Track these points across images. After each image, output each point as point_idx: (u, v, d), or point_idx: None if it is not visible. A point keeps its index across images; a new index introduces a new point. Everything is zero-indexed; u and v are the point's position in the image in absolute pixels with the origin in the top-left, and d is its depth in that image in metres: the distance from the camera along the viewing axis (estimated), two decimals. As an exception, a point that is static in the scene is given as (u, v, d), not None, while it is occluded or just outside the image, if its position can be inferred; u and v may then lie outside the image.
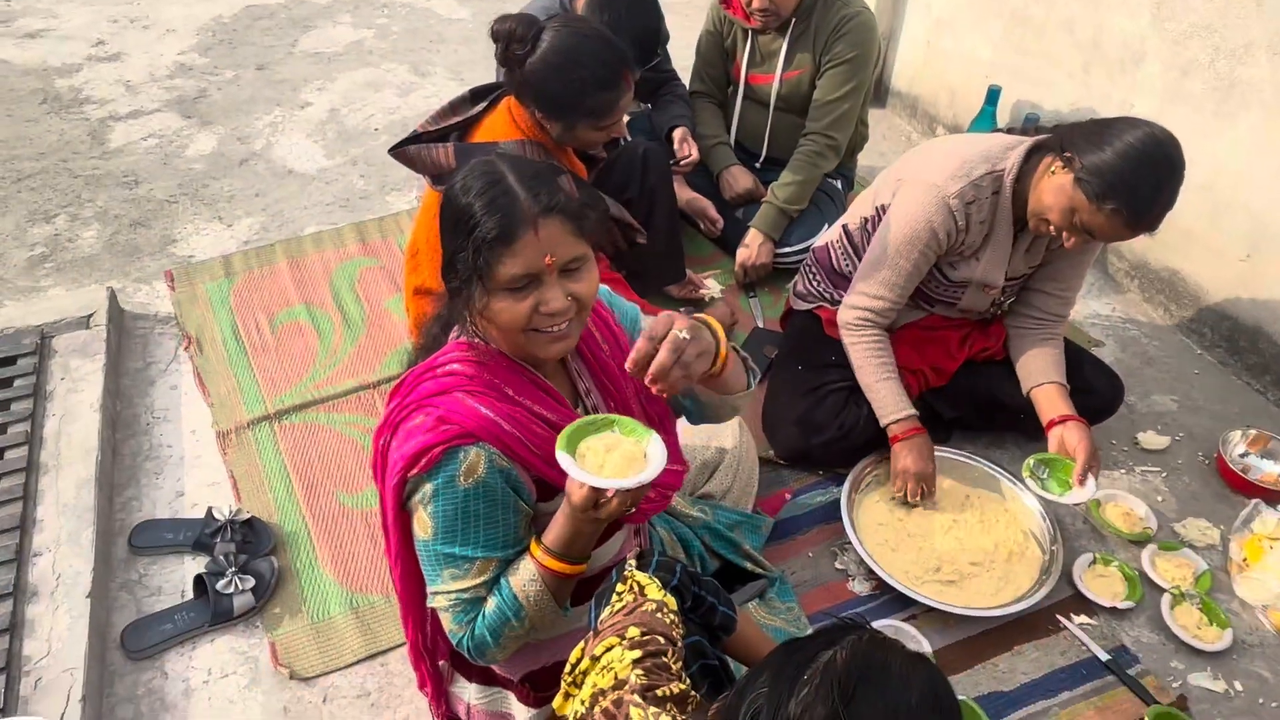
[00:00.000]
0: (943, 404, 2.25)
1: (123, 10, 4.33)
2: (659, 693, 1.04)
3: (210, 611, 1.88)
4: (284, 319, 2.67)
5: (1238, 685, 1.86)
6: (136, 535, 2.06)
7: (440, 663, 1.59)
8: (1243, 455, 2.30)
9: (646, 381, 1.14)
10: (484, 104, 2.14)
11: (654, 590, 1.22)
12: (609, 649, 1.12)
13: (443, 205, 1.26)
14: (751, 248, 2.74)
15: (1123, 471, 2.30)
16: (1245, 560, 2.04)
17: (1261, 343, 2.51)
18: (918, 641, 1.88)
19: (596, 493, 1.19)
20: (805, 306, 2.35)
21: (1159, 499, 2.24)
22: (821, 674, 0.86)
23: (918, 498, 2.09)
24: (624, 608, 1.19)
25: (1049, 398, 2.08)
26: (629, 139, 2.67)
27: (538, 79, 1.95)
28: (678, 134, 2.77)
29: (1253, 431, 2.30)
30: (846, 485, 2.13)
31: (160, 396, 2.43)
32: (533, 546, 1.31)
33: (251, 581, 1.93)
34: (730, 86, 2.90)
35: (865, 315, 2.10)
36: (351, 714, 1.79)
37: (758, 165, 2.92)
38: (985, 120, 3.02)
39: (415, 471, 1.25)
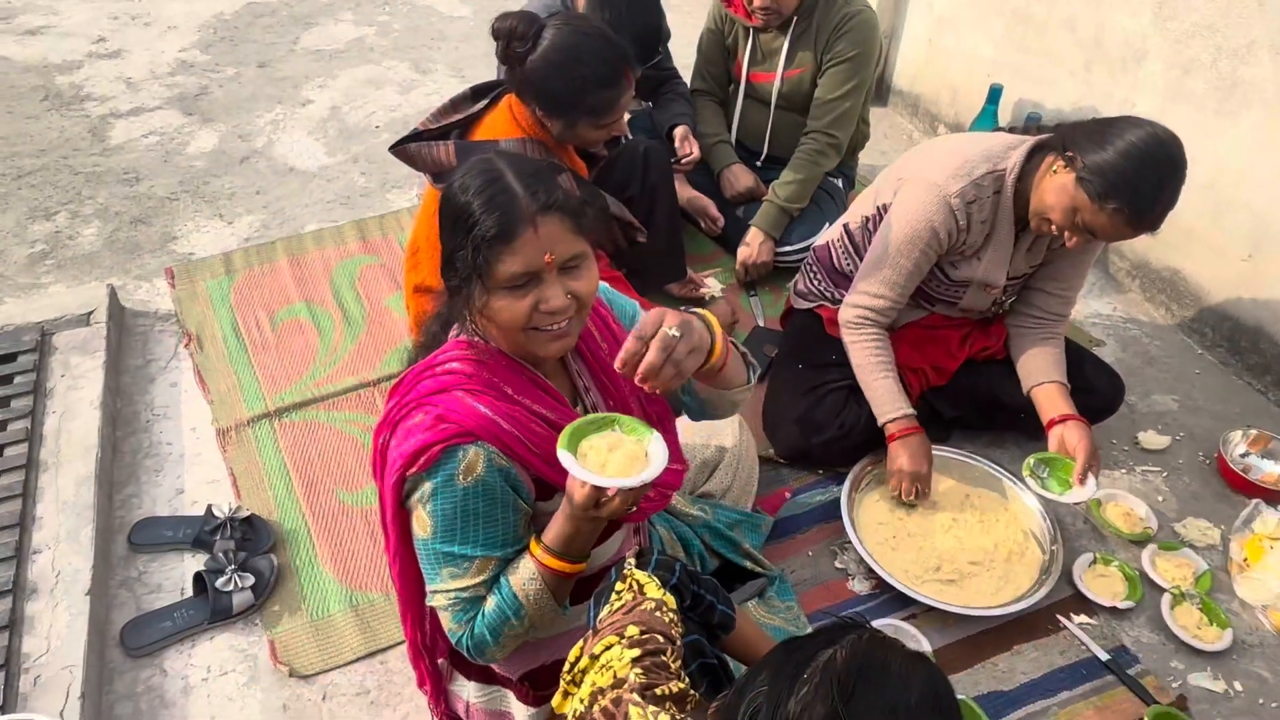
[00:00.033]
0: (943, 403, 2.25)
1: (124, 7, 4.33)
2: (658, 691, 1.03)
3: (209, 609, 1.88)
4: (284, 316, 2.67)
5: (1237, 685, 1.86)
6: (136, 532, 2.06)
7: (439, 661, 1.59)
8: (1243, 455, 2.29)
9: (637, 381, 1.12)
10: (485, 102, 2.14)
11: (653, 589, 1.22)
12: (608, 647, 1.12)
13: (442, 203, 1.26)
14: (752, 246, 2.74)
15: (1123, 471, 2.30)
16: (1245, 560, 2.03)
17: (1263, 343, 2.50)
18: (917, 641, 1.88)
19: (598, 492, 1.19)
20: (806, 305, 2.35)
21: (1159, 499, 2.24)
22: (821, 673, 0.85)
23: (912, 497, 2.08)
24: (623, 606, 1.19)
25: (1049, 397, 2.08)
26: (630, 137, 2.66)
27: (538, 77, 1.95)
28: (679, 132, 2.76)
29: (1253, 431, 2.30)
30: (846, 484, 2.13)
31: (160, 394, 2.43)
32: (532, 545, 1.31)
33: (251, 579, 1.93)
34: (731, 85, 2.89)
35: (865, 314, 2.10)
36: (351, 712, 1.79)
37: (759, 164, 2.92)
38: (987, 119, 3.01)
39: (414, 470, 1.25)
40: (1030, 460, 2.03)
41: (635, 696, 1.03)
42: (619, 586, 1.25)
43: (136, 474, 2.22)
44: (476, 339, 1.30)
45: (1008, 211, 1.95)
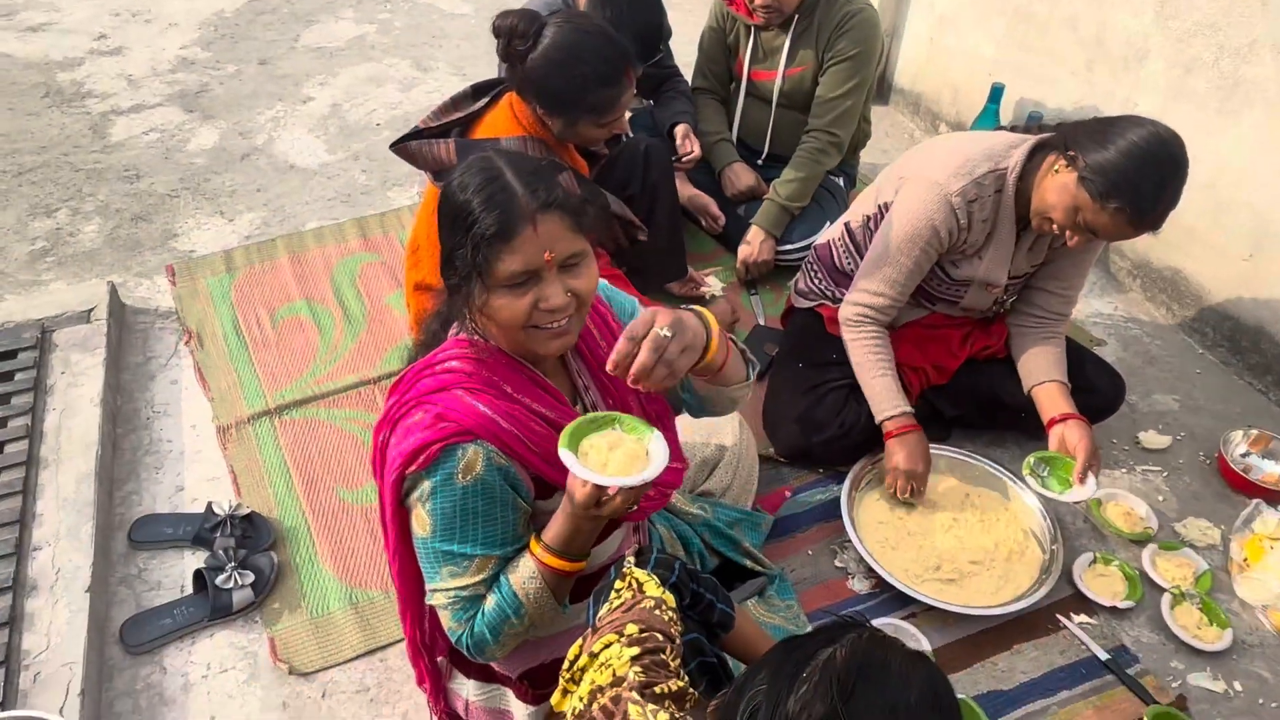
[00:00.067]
0: (944, 402, 2.25)
1: (125, 4, 4.33)
2: (657, 690, 1.03)
3: (209, 606, 1.88)
4: (285, 314, 2.67)
5: (1237, 685, 1.86)
6: (136, 530, 2.06)
7: (439, 659, 1.59)
8: (1244, 455, 2.29)
9: (629, 383, 1.12)
10: (486, 100, 2.13)
11: (652, 587, 1.22)
12: (607, 646, 1.12)
13: (441, 202, 1.26)
14: (753, 245, 2.74)
15: (1124, 471, 2.30)
16: (1246, 560, 2.03)
17: (1263, 342, 2.50)
18: (917, 640, 1.88)
19: (599, 491, 1.19)
20: (807, 304, 2.35)
21: (1160, 498, 2.24)
22: (821, 672, 0.85)
23: (907, 495, 2.08)
24: (622, 605, 1.19)
25: (1050, 396, 2.08)
26: (631, 135, 2.66)
27: (539, 75, 1.95)
28: (680, 130, 2.76)
29: (1254, 431, 2.30)
30: (846, 483, 2.13)
31: (161, 391, 2.43)
32: (532, 544, 1.31)
33: (251, 577, 1.93)
34: (733, 83, 2.89)
35: (865, 312, 2.09)
36: (350, 709, 1.79)
37: (760, 162, 2.91)
38: (988, 118, 3.01)
39: (413, 469, 1.24)
40: (1030, 459, 2.03)
41: (634, 695, 1.02)
42: (618, 585, 1.25)
43: (137, 471, 2.22)
44: (476, 337, 1.30)
45: (1009, 210, 1.95)
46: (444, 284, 1.29)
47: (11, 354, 2.33)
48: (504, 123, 2.06)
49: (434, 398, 1.26)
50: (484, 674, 1.58)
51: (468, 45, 4.11)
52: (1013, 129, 2.08)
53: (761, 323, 2.69)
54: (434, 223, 1.30)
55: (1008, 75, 3.06)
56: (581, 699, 1.10)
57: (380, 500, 1.35)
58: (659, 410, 1.47)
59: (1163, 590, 1.99)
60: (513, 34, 1.94)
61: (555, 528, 1.28)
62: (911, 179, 2.00)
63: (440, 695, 1.62)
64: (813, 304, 2.32)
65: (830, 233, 2.31)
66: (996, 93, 2.98)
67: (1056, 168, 1.83)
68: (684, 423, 1.66)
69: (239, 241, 2.94)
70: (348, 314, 2.67)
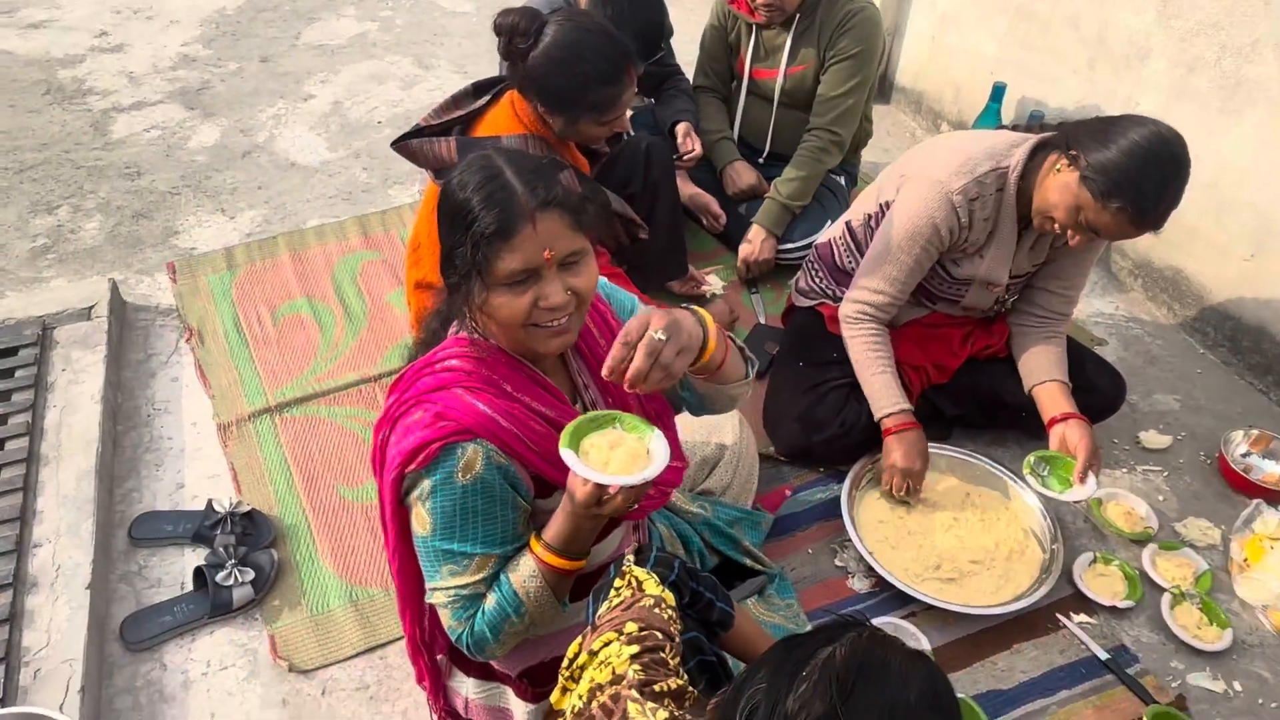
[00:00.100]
0: (945, 401, 2.25)
1: (126, 1, 4.33)
2: (656, 688, 1.03)
3: (209, 603, 1.89)
4: (285, 312, 2.67)
5: (1237, 685, 1.86)
6: (136, 527, 2.06)
7: (438, 657, 1.59)
8: (1244, 455, 2.29)
9: (625, 387, 1.12)
10: (487, 98, 2.13)
11: (652, 585, 1.22)
12: (607, 644, 1.12)
13: (440, 200, 1.26)
14: (754, 243, 2.74)
15: (1124, 470, 2.30)
16: (1246, 560, 2.03)
17: (1265, 343, 2.50)
18: (917, 639, 1.88)
19: (600, 490, 1.18)
20: (807, 303, 2.35)
21: (1160, 498, 2.23)
22: (820, 671, 0.85)
23: (903, 493, 2.08)
24: (622, 603, 1.19)
25: (1051, 395, 2.07)
26: (632, 134, 2.66)
27: (540, 73, 1.95)
28: (681, 129, 2.76)
29: (1255, 431, 2.30)
30: (847, 482, 2.13)
31: (161, 388, 2.43)
32: (532, 543, 1.31)
33: (251, 574, 1.93)
34: (734, 81, 2.89)
35: (865, 309, 2.09)
36: (350, 707, 1.79)
37: (761, 161, 2.91)
38: (990, 117, 3.01)
39: (413, 467, 1.24)
40: (1031, 458, 2.03)
41: (634, 693, 1.02)
42: (618, 583, 1.25)
43: (137, 468, 2.22)
44: (476, 336, 1.30)
45: (1010, 209, 1.95)
46: (444, 282, 1.29)
47: (12, 350, 2.33)
48: (505, 121, 2.06)
49: (434, 396, 1.26)
50: (483, 672, 1.58)
51: (469, 43, 4.11)
52: (1014, 128, 2.08)
53: (762, 321, 2.69)
54: (434, 221, 1.30)
55: (1009, 74, 3.06)
56: (581, 697, 1.10)
57: (380, 498, 1.35)
58: (659, 409, 1.47)
59: (1163, 590, 1.99)
60: (514, 32, 1.94)
61: (555, 526, 1.28)
62: (913, 177, 2.00)
63: (440, 693, 1.62)
64: (813, 303, 2.32)
65: (831, 231, 2.30)
66: (998, 91, 2.98)
67: (1058, 167, 1.83)
68: (684, 421, 1.66)
69: (240, 239, 2.94)
70: (348, 312, 2.67)
